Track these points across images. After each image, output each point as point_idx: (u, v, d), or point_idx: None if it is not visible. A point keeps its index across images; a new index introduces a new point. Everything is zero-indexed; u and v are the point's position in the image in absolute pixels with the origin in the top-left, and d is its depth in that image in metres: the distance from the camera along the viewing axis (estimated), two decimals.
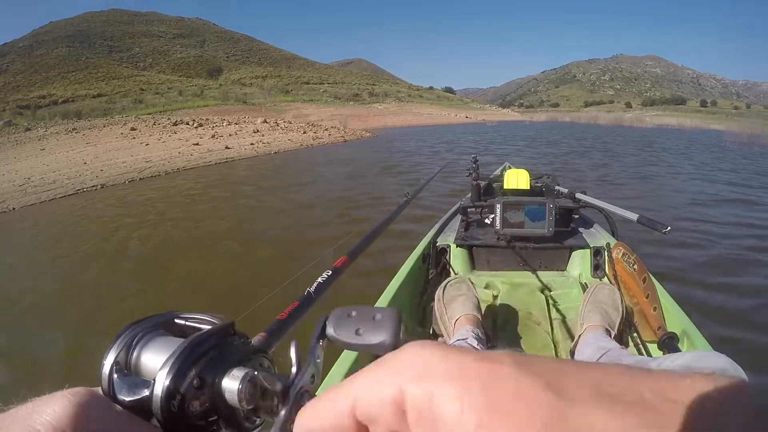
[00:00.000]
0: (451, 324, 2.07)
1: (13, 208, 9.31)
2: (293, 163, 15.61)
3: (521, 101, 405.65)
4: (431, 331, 2.41)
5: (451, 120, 62.83)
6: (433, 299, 2.32)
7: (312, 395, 0.35)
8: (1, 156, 18.90)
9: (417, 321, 2.56)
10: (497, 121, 66.17)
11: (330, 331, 0.39)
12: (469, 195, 3.55)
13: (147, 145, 19.31)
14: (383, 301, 2.21)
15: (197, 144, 19.24)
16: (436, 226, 3.34)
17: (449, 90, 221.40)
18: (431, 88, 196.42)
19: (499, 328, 2.36)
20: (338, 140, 25.03)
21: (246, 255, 5.72)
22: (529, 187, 3.37)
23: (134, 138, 22.25)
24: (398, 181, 11.05)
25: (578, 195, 3.06)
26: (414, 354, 0.25)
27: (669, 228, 2.16)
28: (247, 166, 14.61)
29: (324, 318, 0.39)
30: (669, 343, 1.94)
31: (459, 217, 3.46)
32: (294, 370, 0.35)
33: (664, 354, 1.92)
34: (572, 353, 1.96)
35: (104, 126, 30.34)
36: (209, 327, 0.36)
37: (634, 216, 2.36)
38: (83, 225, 7.72)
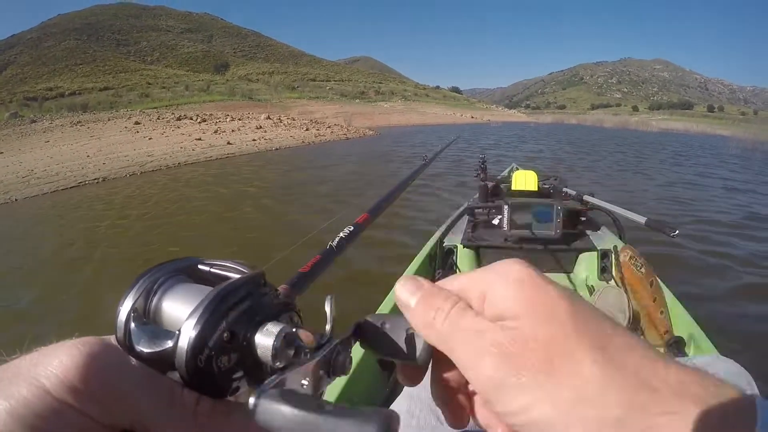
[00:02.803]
0: None
1: (16, 199, 9.45)
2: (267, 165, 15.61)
3: (528, 102, 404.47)
4: None
5: (456, 120, 63.00)
6: None
7: (347, 355, 0.35)
8: (6, 148, 19.02)
9: None
10: (502, 122, 66.16)
11: (362, 340, 0.38)
12: (477, 195, 3.58)
13: (150, 139, 19.51)
14: (389, 301, 2.27)
15: (199, 139, 19.39)
16: (443, 227, 3.34)
17: (456, 90, 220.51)
18: (438, 87, 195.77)
19: None
20: (340, 138, 25.15)
21: None
22: (536, 189, 3.36)
23: (138, 132, 22.44)
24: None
25: (586, 197, 3.07)
26: (512, 267, 0.33)
27: (677, 231, 2.16)
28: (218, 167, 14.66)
29: (357, 325, 0.38)
30: (676, 347, 1.98)
31: (466, 217, 3.47)
32: (328, 327, 0.34)
33: None
34: None
35: (109, 119, 30.60)
36: (236, 276, 0.34)
37: (642, 219, 2.36)
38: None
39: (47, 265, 5.62)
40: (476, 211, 3.42)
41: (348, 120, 38.27)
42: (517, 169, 4.42)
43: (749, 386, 1.08)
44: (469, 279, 0.34)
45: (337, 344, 0.34)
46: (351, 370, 1.60)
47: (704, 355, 1.79)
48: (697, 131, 57.25)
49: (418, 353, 0.36)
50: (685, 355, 1.92)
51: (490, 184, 3.54)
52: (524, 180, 3.37)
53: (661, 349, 2.01)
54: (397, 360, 0.37)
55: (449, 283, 0.36)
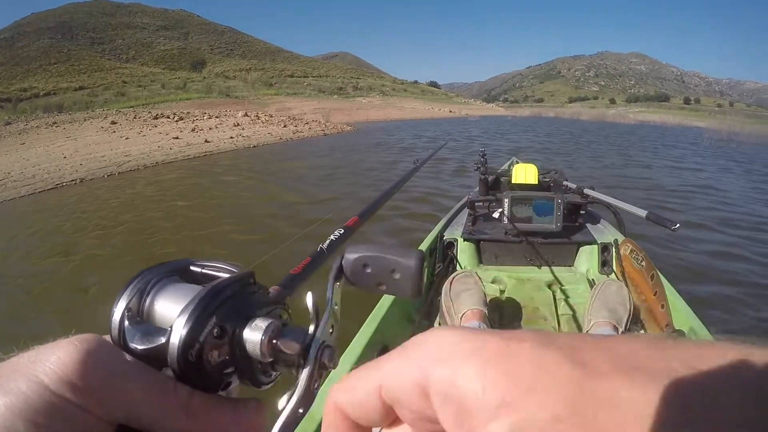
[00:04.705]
0: (458, 318, 2.09)
1: None
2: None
3: (506, 96, 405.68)
4: (437, 325, 2.33)
5: (434, 114, 63.00)
6: (440, 293, 2.35)
7: (333, 349, 0.34)
8: None
9: (423, 314, 2.57)
10: (480, 116, 66.26)
11: (348, 275, 0.38)
12: (477, 189, 3.60)
13: (127, 139, 19.37)
14: (389, 295, 2.23)
15: (177, 138, 19.28)
16: (444, 220, 3.37)
17: (434, 84, 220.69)
18: (416, 82, 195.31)
19: (505, 324, 2.38)
20: (318, 134, 25.17)
21: None
22: (537, 182, 3.36)
23: (114, 132, 22.26)
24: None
25: (586, 190, 3.08)
26: (437, 338, 0.25)
27: (678, 225, 2.18)
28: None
29: (340, 259, 0.39)
30: None
31: (466, 211, 3.46)
32: (312, 324, 0.34)
33: None
34: None
35: (85, 120, 30.34)
36: (227, 275, 0.35)
37: (642, 212, 2.38)
38: None
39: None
40: (476, 204, 3.41)
41: (326, 116, 38.15)
42: (518, 162, 4.46)
43: None
44: (387, 373, 0.26)
45: (324, 342, 0.34)
46: (351, 364, 1.72)
47: None
48: (673, 123, 58.05)
49: (409, 293, 0.37)
50: None
51: (490, 178, 3.59)
52: (524, 173, 3.37)
53: None
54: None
55: (363, 381, 0.27)
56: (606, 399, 0.19)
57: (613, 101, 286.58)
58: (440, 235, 3.10)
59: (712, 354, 0.20)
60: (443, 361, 0.23)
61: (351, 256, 0.39)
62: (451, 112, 71.28)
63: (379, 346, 1.93)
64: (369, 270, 0.38)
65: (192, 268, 0.36)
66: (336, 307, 0.37)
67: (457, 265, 2.96)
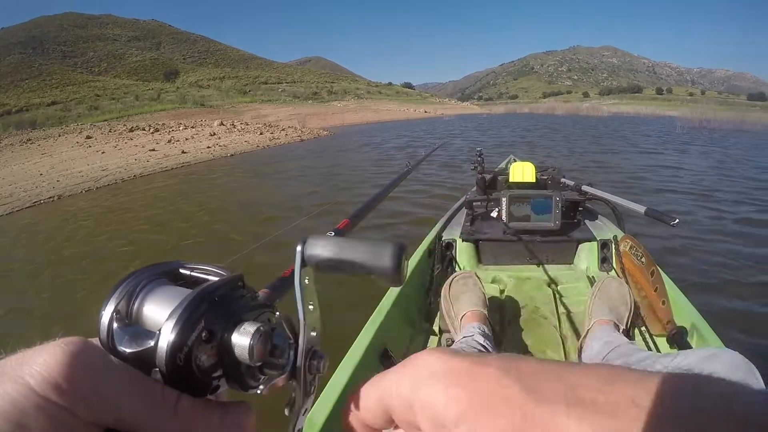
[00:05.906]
0: (458, 320, 2.07)
1: None
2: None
3: (480, 94, 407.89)
4: (438, 328, 2.39)
5: (410, 115, 63.01)
6: (439, 295, 2.29)
7: (319, 354, 0.35)
8: None
9: (423, 317, 2.53)
10: (455, 115, 66.58)
11: (314, 268, 0.37)
12: (475, 188, 3.56)
13: (103, 153, 19.25)
14: (388, 298, 2.17)
15: (153, 150, 19.17)
16: (442, 221, 3.30)
17: (408, 85, 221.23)
18: (390, 84, 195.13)
19: (506, 324, 2.35)
20: (295, 140, 25.16)
21: None
22: (534, 180, 3.31)
23: (90, 146, 22.04)
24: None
25: (584, 187, 3.04)
26: (422, 361, 0.29)
27: (677, 220, 2.16)
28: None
29: (300, 253, 0.37)
30: (678, 338, 1.93)
31: (464, 211, 3.40)
32: (297, 328, 0.35)
33: (672, 348, 1.95)
34: (580, 348, 1.94)
35: (59, 135, 29.96)
36: (216, 278, 0.35)
37: (641, 208, 2.36)
38: None
39: None
40: (474, 204, 3.36)
41: (302, 122, 38.07)
42: (515, 160, 4.46)
43: (754, 379, 1.07)
44: (385, 387, 0.31)
45: (311, 348, 0.35)
46: (353, 367, 1.75)
47: (708, 346, 1.77)
48: (647, 113, 58.58)
49: (385, 284, 0.36)
50: (688, 346, 1.88)
51: (487, 177, 3.54)
52: (522, 172, 3.33)
53: (664, 339, 2.03)
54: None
55: (369, 392, 0.32)
56: (544, 425, 0.21)
57: (586, 95, 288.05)
58: (438, 236, 3.06)
59: (660, 390, 0.21)
60: (422, 382, 0.28)
61: (316, 253, 0.36)
62: (426, 112, 71.35)
63: (380, 350, 1.91)
64: (339, 270, 0.36)
65: (181, 270, 0.36)
66: (311, 307, 0.37)
67: (456, 266, 2.93)
